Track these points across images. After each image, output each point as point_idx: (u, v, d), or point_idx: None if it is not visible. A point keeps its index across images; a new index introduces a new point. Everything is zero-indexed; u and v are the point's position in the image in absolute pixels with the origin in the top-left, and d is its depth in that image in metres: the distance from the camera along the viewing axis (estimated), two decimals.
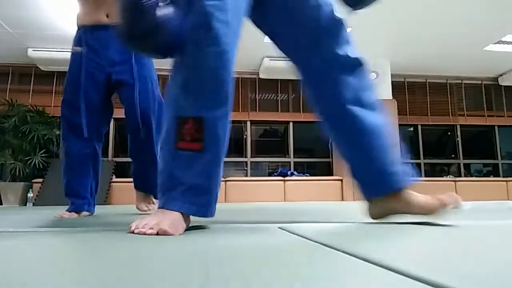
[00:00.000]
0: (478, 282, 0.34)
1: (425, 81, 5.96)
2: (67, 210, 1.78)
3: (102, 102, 1.86)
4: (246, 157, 5.61)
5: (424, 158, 5.90)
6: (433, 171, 6.04)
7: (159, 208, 0.88)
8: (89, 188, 1.85)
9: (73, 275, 0.40)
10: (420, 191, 1.00)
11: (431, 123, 5.91)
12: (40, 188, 4.40)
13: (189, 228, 0.91)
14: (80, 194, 1.81)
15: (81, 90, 1.79)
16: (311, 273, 0.40)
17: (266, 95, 5.77)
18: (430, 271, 0.38)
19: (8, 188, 4.56)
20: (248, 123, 5.64)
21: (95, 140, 1.86)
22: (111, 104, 1.96)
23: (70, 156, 1.81)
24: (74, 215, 1.75)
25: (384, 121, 1.07)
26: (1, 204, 4.54)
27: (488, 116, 6.03)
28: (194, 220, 0.92)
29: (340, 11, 1.11)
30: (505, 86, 6.04)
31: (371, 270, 0.40)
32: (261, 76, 5.48)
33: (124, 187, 4.66)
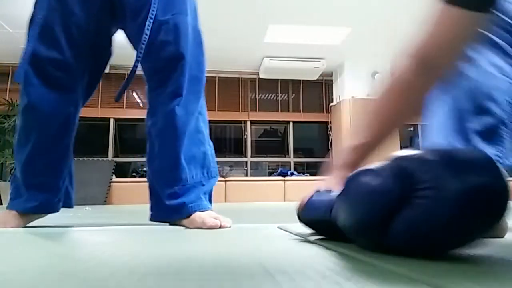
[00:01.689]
0: None
1: None
2: (16, 209, 1.10)
3: (95, 30, 1.15)
4: (246, 157, 5.61)
5: None
6: None
7: None
8: (65, 173, 1.17)
9: (72, 275, 0.40)
10: None
11: None
12: None
13: (186, 228, 0.91)
14: (51, 184, 1.13)
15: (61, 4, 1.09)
16: (310, 273, 0.41)
17: (266, 95, 5.76)
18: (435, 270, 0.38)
19: (8, 188, 4.54)
20: (248, 123, 5.63)
21: (80, 92, 1.17)
22: (110, 41, 1.24)
23: (36, 115, 1.09)
24: (11, 221, 1.07)
25: None
26: (1, 204, 4.54)
27: None
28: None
29: None
30: None
31: (371, 270, 0.40)
32: (261, 76, 5.47)
33: (124, 187, 4.66)
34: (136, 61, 1.13)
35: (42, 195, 1.12)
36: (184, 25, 1.15)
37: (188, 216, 1.09)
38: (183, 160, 1.14)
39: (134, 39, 1.19)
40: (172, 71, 1.15)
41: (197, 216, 1.07)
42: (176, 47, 1.14)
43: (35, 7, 1.14)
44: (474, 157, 0.46)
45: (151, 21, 1.11)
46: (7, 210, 1.12)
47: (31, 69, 1.09)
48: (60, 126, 1.12)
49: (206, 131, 1.23)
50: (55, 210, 1.16)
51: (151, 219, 1.20)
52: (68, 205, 1.20)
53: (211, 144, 1.25)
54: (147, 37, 1.11)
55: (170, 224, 1.16)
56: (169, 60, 1.15)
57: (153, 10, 1.11)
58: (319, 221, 0.63)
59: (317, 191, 0.68)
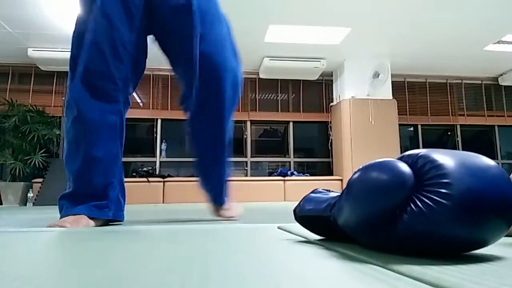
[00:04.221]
0: None
1: (425, 81, 5.96)
2: (71, 213, 1.13)
3: (135, 41, 1.23)
4: (246, 157, 5.61)
5: None
6: None
7: None
8: (116, 181, 1.21)
9: (73, 275, 0.40)
10: None
11: (431, 123, 5.91)
12: (40, 188, 4.40)
13: (188, 227, 0.91)
14: (101, 192, 1.17)
15: (98, 14, 1.15)
16: (310, 273, 0.41)
17: (266, 95, 5.76)
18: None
19: (8, 188, 4.56)
20: (248, 123, 5.63)
21: (122, 102, 1.24)
22: (145, 45, 1.31)
23: (84, 125, 1.15)
24: (82, 221, 1.10)
25: None
26: (1, 204, 4.54)
27: (488, 116, 6.03)
28: (193, 219, 0.92)
29: None
30: (505, 86, 6.04)
31: (371, 270, 0.40)
32: (261, 76, 5.47)
33: None
34: (195, 87, 1.30)
35: (93, 202, 1.16)
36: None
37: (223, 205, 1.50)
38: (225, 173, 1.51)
39: (174, 51, 1.33)
40: (217, 97, 1.37)
41: (232, 207, 1.52)
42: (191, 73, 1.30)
43: (77, 24, 1.21)
44: (482, 159, 0.46)
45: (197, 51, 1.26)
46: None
47: (81, 84, 1.16)
48: (105, 135, 1.18)
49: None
50: (106, 216, 1.18)
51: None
52: (119, 217, 1.23)
53: None
54: (196, 70, 1.27)
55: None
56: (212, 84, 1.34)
57: (196, 37, 1.25)
58: (317, 217, 0.61)
59: (315, 190, 0.68)
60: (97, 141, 1.16)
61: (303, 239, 0.68)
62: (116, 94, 1.19)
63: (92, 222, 1.13)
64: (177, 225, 1.13)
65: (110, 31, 1.16)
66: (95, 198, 1.16)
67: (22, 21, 4.06)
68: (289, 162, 5.68)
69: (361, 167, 0.50)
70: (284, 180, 5.08)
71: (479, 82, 6.08)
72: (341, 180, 5.14)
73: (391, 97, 5.32)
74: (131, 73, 1.24)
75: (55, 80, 5.27)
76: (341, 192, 0.55)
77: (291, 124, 5.72)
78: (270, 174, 5.56)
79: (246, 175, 5.51)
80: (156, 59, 1.50)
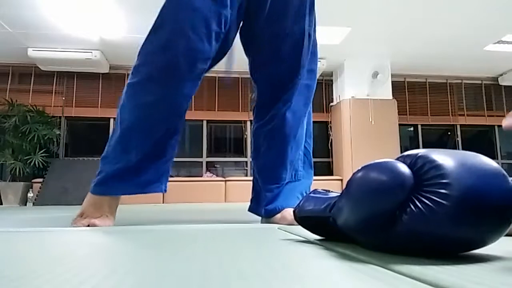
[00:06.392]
0: None
1: (425, 81, 5.96)
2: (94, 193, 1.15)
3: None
4: (246, 157, 5.61)
5: None
6: None
7: None
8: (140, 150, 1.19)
9: (74, 275, 0.40)
10: None
11: (431, 123, 5.91)
12: (40, 188, 4.40)
13: (188, 227, 0.91)
14: (121, 157, 1.18)
15: None
16: (310, 273, 0.41)
17: None
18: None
19: (8, 188, 4.56)
20: (248, 123, 5.63)
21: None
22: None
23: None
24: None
25: None
26: (1, 204, 4.54)
27: (488, 116, 6.03)
28: (194, 219, 0.92)
29: None
30: (505, 86, 6.04)
31: (371, 270, 0.40)
32: None
33: None
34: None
35: (112, 167, 1.17)
36: (303, 39, 1.27)
37: (279, 212, 1.16)
38: (288, 161, 1.24)
39: (251, 37, 1.31)
40: (287, 81, 1.26)
41: (288, 213, 1.11)
42: (294, 61, 1.25)
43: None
44: (482, 159, 0.46)
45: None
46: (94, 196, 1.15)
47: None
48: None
49: (303, 135, 1.31)
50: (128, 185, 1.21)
51: (249, 210, 1.30)
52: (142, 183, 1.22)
53: (303, 146, 1.33)
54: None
55: (262, 222, 1.22)
56: (286, 72, 1.26)
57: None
58: (317, 218, 0.61)
59: (315, 190, 0.68)
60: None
61: (303, 239, 0.68)
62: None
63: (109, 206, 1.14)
64: (176, 225, 1.13)
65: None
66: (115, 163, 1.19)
67: (22, 21, 4.06)
68: None
69: (360, 167, 0.50)
70: None
71: (479, 82, 6.08)
72: (341, 180, 5.14)
73: (391, 97, 5.32)
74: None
75: (55, 80, 5.27)
76: (340, 192, 0.55)
77: None
78: None
79: (246, 175, 5.50)
80: None
